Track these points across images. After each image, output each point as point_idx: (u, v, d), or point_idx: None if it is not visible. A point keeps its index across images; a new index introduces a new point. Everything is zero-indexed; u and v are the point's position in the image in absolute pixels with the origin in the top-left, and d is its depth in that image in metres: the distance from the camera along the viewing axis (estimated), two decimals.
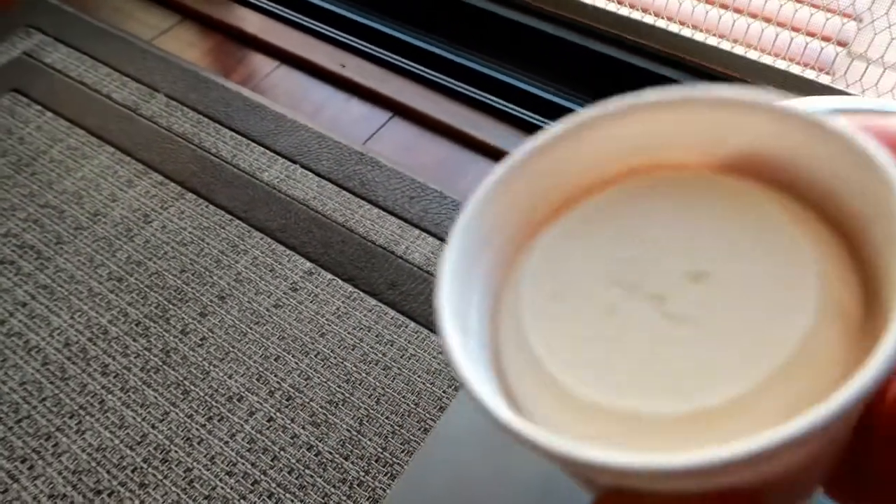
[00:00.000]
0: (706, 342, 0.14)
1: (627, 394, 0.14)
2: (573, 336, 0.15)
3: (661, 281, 0.15)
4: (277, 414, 0.71)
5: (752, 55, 0.83)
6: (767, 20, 0.82)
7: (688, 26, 0.85)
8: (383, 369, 0.74)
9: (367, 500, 0.66)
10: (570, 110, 0.94)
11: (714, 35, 0.84)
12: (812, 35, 0.81)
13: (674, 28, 0.85)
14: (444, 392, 0.72)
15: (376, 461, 0.68)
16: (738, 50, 0.84)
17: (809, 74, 0.82)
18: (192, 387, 0.73)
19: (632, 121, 0.17)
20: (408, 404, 0.72)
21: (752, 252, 0.15)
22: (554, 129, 0.17)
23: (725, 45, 0.84)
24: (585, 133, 0.17)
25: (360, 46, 1.08)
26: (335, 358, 0.75)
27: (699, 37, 0.85)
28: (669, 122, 0.17)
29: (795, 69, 0.82)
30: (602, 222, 0.17)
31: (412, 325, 0.77)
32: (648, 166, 0.17)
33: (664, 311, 0.15)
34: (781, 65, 0.83)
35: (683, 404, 0.13)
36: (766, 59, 0.83)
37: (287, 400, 0.72)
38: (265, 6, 1.15)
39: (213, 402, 0.72)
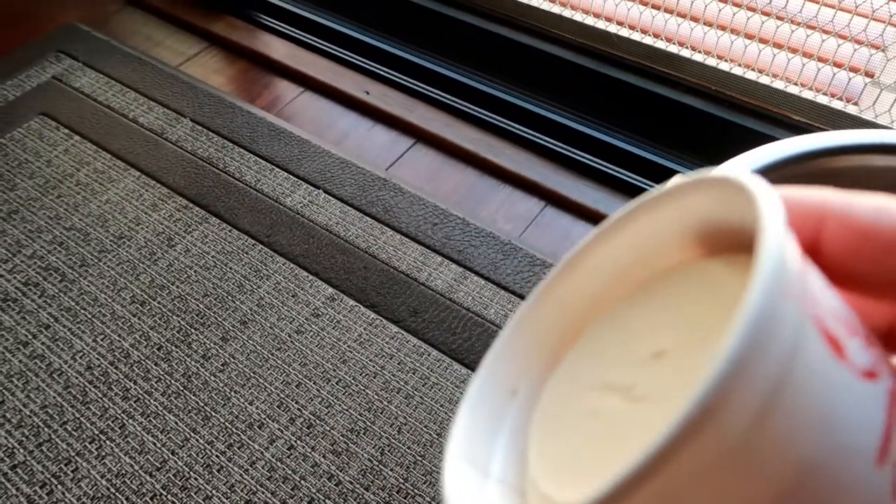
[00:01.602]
0: (655, 415, 0.15)
1: (578, 487, 0.15)
2: (562, 449, 0.16)
3: (630, 370, 0.16)
4: (298, 442, 0.71)
5: (779, 84, 0.83)
6: (794, 51, 0.81)
7: (713, 56, 0.85)
8: (405, 398, 0.73)
9: None
10: (594, 139, 0.94)
11: (740, 65, 0.84)
12: (839, 66, 0.81)
13: (698, 58, 0.85)
14: None
15: (398, 492, 0.67)
16: (764, 80, 0.83)
17: (837, 105, 0.81)
18: (213, 413, 0.73)
19: (614, 242, 0.18)
20: (430, 434, 0.71)
21: (704, 323, 0.16)
22: (549, 273, 0.19)
23: (751, 75, 0.83)
24: (579, 265, 0.19)
25: (384, 73, 1.09)
26: (357, 385, 0.74)
27: (724, 66, 0.84)
28: (646, 229, 0.18)
29: (823, 99, 0.82)
30: (595, 341, 0.18)
31: (434, 353, 0.77)
32: (648, 274, 0.19)
33: (630, 397, 0.15)
34: (808, 95, 0.82)
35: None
36: (793, 89, 0.83)
37: (308, 427, 0.72)
38: (291, 33, 1.16)
39: (234, 429, 0.72)
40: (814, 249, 0.16)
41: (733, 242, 0.17)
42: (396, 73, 1.08)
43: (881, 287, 0.15)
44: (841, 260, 0.15)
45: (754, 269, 0.12)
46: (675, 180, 0.17)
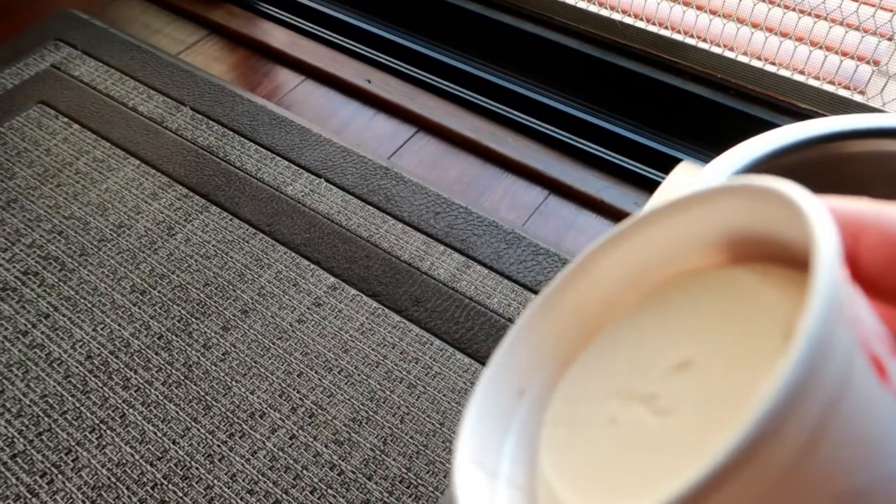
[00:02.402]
0: (687, 431, 0.14)
1: (601, 498, 0.14)
2: (580, 456, 0.16)
3: (653, 379, 0.16)
4: (300, 431, 0.70)
5: (785, 73, 0.82)
6: (800, 39, 0.81)
7: (718, 44, 0.84)
8: (408, 387, 0.73)
9: None
10: (598, 127, 0.93)
11: (746, 53, 0.83)
12: (846, 54, 0.80)
13: (704, 46, 0.84)
14: None
15: (400, 482, 0.67)
16: (770, 68, 0.82)
17: (843, 93, 0.80)
18: (214, 402, 0.72)
19: (630, 246, 0.18)
20: (433, 423, 0.70)
21: (735, 335, 0.15)
22: (560, 274, 0.18)
23: (757, 64, 0.83)
24: (593, 267, 0.18)
25: (386, 62, 1.08)
26: (359, 375, 0.74)
27: (730, 54, 0.84)
28: (666, 234, 0.17)
29: (829, 88, 0.81)
30: (609, 345, 0.18)
31: (437, 342, 0.76)
32: (665, 280, 0.18)
33: (655, 408, 0.15)
34: (814, 83, 0.81)
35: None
36: (799, 78, 0.82)
37: (310, 417, 0.71)
38: (291, 21, 1.15)
39: (235, 419, 0.71)
40: (851, 262, 0.15)
41: (763, 252, 0.16)
42: (398, 62, 1.07)
43: None
44: (878, 272, 0.15)
45: (812, 293, 0.12)
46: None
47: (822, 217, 0.13)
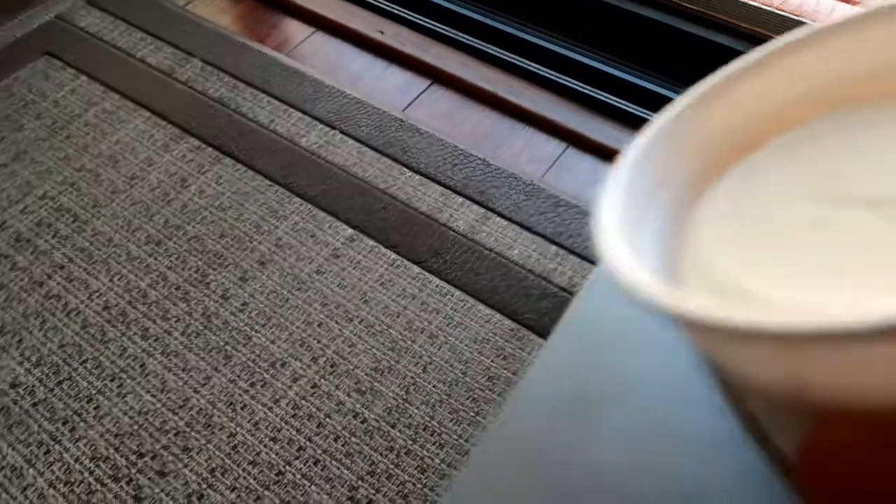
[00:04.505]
0: None
1: (825, 291, 0.13)
2: (773, 252, 0.14)
3: (878, 190, 0.13)
4: (322, 381, 0.70)
5: (813, 23, 0.80)
6: None
7: None
8: (429, 337, 0.72)
9: (416, 468, 0.65)
10: (617, 78, 0.92)
11: (772, 3, 0.81)
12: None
13: None
14: (492, 362, 0.71)
15: (423, 430, 0.67)
16: (798, 18, 0.80)
17: None
18: (234, 352, 0.72)
19: (816, 53, 0.15)
20: (455, 373, 0.70)
21: None
22: (727, 68, 0.16)
23: (785, 13, 0.81)
24: (766, 69, 0.16)
25: (398, 13, 1.05)
26: (379, 325, 0.73)
27: (755, 3, 0.81)
28: (855, 49, 0.15)
29: None
30: (791, 152, 0.16)
31: (457, 293, 0.76)
32: (851, 97, 0.16)
33: (885, 216, 0.13)
34: None
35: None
36: None
37: (331, 367, 0.71)
38: None
39: (256, 368, 0.71)
40: None
41: None
42: (411, 13, 1.05)
43: None
44: None
45: None
46: None
47: None
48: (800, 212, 0.14)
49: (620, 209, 0.15)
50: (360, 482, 0.64)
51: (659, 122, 0.16)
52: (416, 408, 0.68)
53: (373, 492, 0.64)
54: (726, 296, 0.14)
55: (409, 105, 0.96)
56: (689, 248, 0.15)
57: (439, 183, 0.85)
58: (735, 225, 0.15)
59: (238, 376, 0.70)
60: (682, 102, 0.16)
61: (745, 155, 0.16)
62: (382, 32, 1.04)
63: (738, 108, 0.16)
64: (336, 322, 0.74)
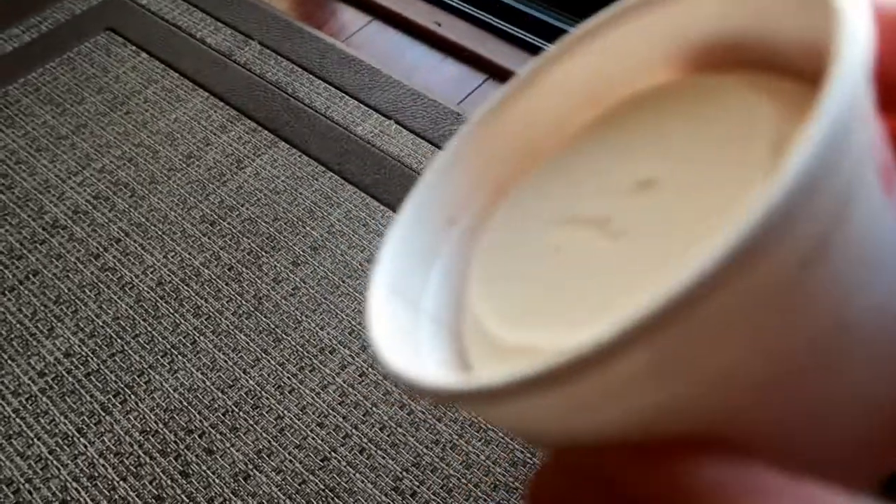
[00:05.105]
0: (646, 253, 0.12)
1: (540, 329, 0.12)
2: (515, 287, 0.14)
3: (607, 201, 0.13)
4: (370, 369, 0.70)
5: None
6: None
7: None
8: None
9: (461, 464, 0.64)
10: None
11: None
12: None
13: None
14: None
15: (470, 426, 0.67)
16: None
17: None
18: (284, 335, 0.72)
19: (585, 56, 0.16)
20: None
21: (705, 146, 0.13)
22: (501, 90, 0.16)
23: None
24: (536, 84, 0.16)
25: (455, 5, 1.05)
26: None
27: None
28: (629, 40, 0.15)
29: None
30: (557, 168, 0.15)
31: None
32: (626, 97, 0.15)
33: (609, 231, 0.13)
34: None
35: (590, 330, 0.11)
36: None
37: None
38: None
39: (305, 353, 0.71)
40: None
41: (743, 58, 0.14)
42: (468, 6, 1.04)
43: None
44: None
45: (834, 73, 0.09)
46: None
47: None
48: (543, 239, 0.14)
49: (402, 260, 0.14)
50: (404, 473, 0.64)
51: (444, 153, 0.16)
52: None
53: (417, 483, 0.64)
54: (476, 336, 0.14)
55: (464, 99, 0.96)
56: (465, 295, 0.15)
57: None
58: (492, 260, 0.15)
59: (287, 360, 0.71)
60: (463, 129, 0.16)
61: (523, 177, 0.16)
62: (439, 24, 1.03)
63: (515, 128, 0.16)
64: None
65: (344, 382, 0.69)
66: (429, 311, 0.15)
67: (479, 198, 0.16)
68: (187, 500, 0.63)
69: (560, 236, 0.14)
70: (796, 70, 0.13)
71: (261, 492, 0.63)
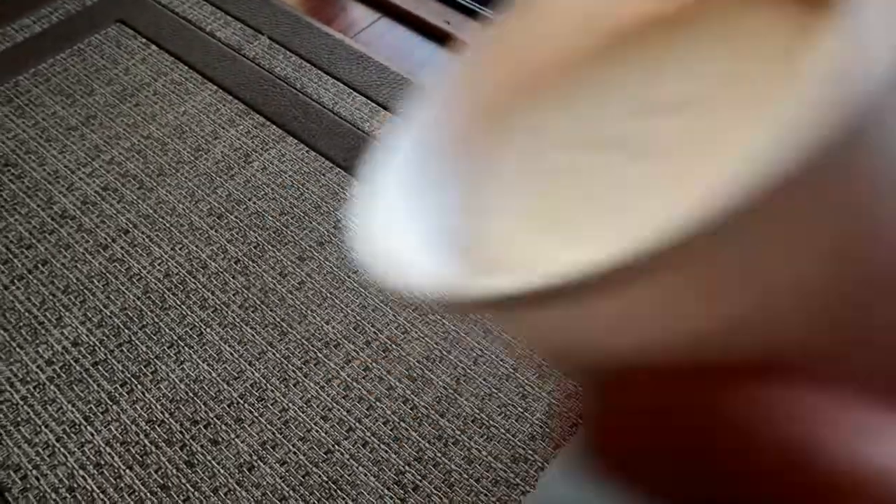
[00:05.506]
0: (670, 173, 0.12)
1: (570, 242, 0.13)
2: (528, 206, 0.14)
3: (627, 123, 0.13)
4: (374, 364, 0.71)
5: None
6: None
7: None
8: (482, 331, 0.73)
9: (462, 459, 0.65)
10: None
11: None
12: None
13: None
14: (544, 358, 0.71)
15: (472, 421, 0.67)
16: None
17: None
18: (290, 329, 0.73)
19: None
20: (506, 368, 0.71)
21: (730, 67, 0.13)
22: (494, 19, 0.16)
23: None
24: (537, 8, 0.16)
25: (464, 3, 1.05)
26: (433, 315, 0.74)
27: None
28: None
29: None
30: (566, 93, 0.15)
31: None
32: (636, 22, 0.15)
33: (629, 153, 0.13)
34: None
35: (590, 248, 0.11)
36: None
37: (384, 351, 0.72)
38: None
39: (310, 346, 0.72)
40: None
41: None
42: (477, 4, 1.05)
43: None
44: None
45: None
46: None
47: None
48: (558, 160, 0.14)
49: (410, 181, 0.14)
50: (406, 467, 0.65)
51: (443, 72, 0.16)
52: (466, 399, 0.69)
53: (419, 478, 0.64)
54: (486, 262, 0.14)
55: None
56: (483, 213, 0.15)
57: None
58: (502, 181, 0.15)
59: (292, 353, 0.72)
60: (459, 54, 0.16)
61: (531, 99, 0.16)
62: (448, 22, 1.04)
63: (515, 51, 0.16)
64: (391, 308, 0.74)
65: (348, 376, 0.70)
66: (435, 228, 0.15)
67: (479, 122, 0.16)
68: (192, 490, 0.64)
69: (577, 157, 0.14)
70: None
71: (265, 483, 0.64)
